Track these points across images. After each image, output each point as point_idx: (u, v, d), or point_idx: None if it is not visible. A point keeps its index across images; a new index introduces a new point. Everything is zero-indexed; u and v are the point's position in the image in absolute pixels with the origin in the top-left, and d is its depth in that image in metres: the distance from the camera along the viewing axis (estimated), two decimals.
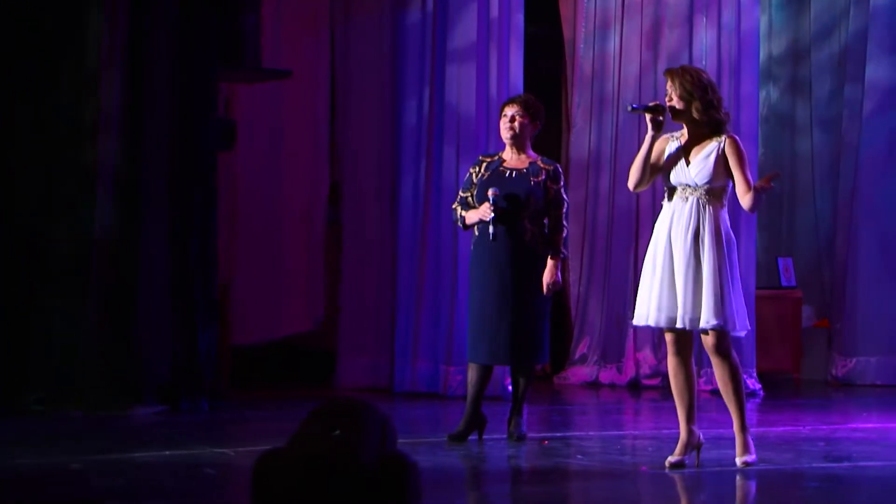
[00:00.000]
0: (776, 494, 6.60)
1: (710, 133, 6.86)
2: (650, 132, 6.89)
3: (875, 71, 11.67)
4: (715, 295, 6.71)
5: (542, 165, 7.93)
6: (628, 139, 11.57)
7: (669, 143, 6.94)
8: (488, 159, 7.98)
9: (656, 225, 6.93)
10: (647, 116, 6.88)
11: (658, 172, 6.95)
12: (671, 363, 6.92)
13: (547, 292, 7.81)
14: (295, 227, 10.99)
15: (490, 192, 7.75)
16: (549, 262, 7.81)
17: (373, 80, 10.80)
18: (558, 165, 8.06)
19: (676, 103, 6.84)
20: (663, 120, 6.90)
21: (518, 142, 7.91)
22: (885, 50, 11.68)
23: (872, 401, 10.75)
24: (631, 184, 6.99)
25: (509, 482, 7.02)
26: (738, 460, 6.87)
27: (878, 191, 11.74)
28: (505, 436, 7.94)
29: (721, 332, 6.76)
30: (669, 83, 6.88)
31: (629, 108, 7.27)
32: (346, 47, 10.94)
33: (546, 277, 7.80)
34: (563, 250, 7.90)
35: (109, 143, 9.02)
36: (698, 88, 6.82)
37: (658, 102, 6.98)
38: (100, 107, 9.01)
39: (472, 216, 7.83)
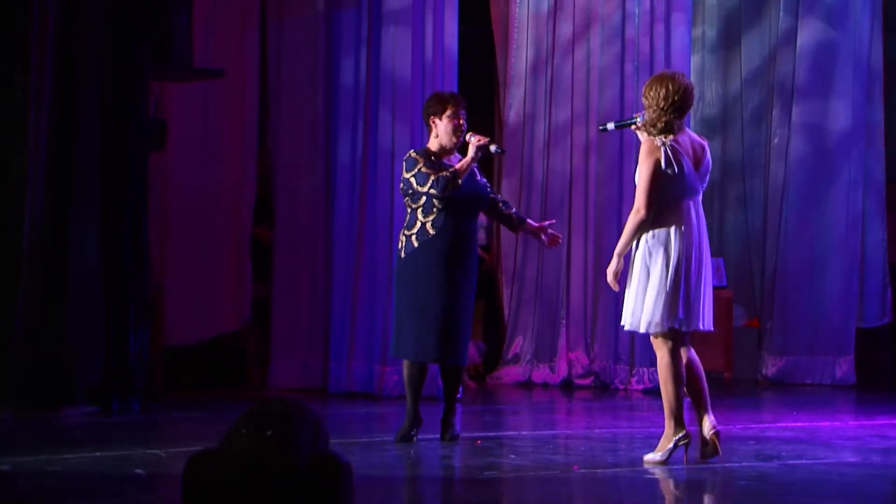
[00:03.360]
0: (707, 493, 6.65)
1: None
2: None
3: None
4: (629, 297, 7.07)
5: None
6: (560, 139, 11.63)
7: None
8: (425, 157, 7.97)
9: None
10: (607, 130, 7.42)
11: None
12: None
13: (554, 241, 8.12)
14: (224, 227, 10.95)
15: (492, 148, 7.95)
16: (530, 223, 8.15)
17: (306, 78, 10.77)
18: None
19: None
20: (642, 127, 7.13)
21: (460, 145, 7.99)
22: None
23: (802, 400, 10.86)
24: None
25: (442, 482, 7.03)
26: (644, 456, 7.09)
27: (806, 192, 11.88)
28: (438, 436, 7.95)
29: (645, 333, 7.14)
30: None
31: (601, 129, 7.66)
32: (278, 47, 10.91)
33: (545, 229, 8.10)
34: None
35: (40, 143, 8.95)
36: (654, 98, 7.04)
37: (636, 114, 7.25)
38: (28, 108, 8.93)
39: (464, 162, 7.83)
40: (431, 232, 7.86)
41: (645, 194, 6.95)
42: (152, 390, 9.43)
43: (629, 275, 7.10)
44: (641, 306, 7.01)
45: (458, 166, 7.82)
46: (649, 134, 7.08)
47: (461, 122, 7.92)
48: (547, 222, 8.20)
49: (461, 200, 7.85)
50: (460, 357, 7.95)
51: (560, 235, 8.24)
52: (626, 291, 7.11)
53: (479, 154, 7.83)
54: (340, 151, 10.58)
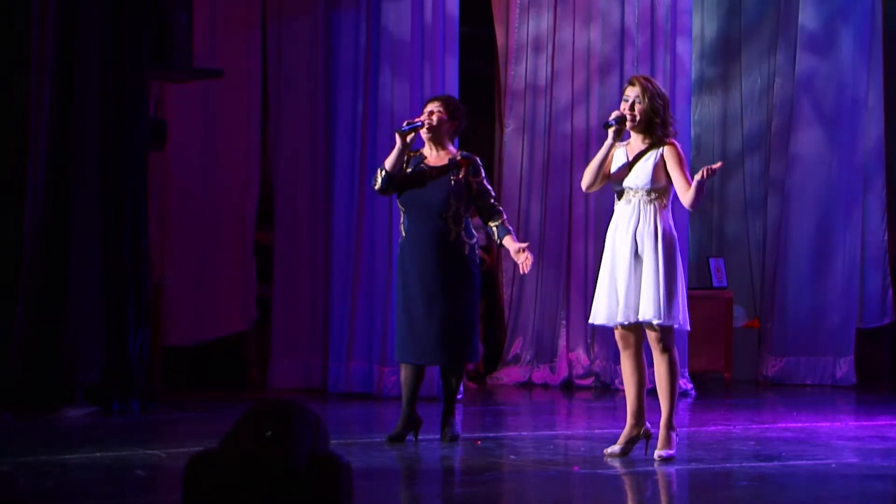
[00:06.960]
0: (707, 493, 6.64)
1: (656, 140, 7.19)
2: (609, 140, 7.23)
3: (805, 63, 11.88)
4: (657, 291, 7.04)
5: (460, 161, 7.94)
6: (560, 141, 11.62)
7: (617, 149, 7.28)
8: (411, 154, 7.98)
9: (609, 227, 7.29)
10: (613, 128, 7.20)
11: (608, 176, 7.29)
12: (621, 358, 7.31)
13: (525, 268, 7.73)
14: (227, 227, 10.94)
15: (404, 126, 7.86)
16: (508, 240, 7.79)
17: (306, 80, 10.77)
18: (477, 158, 8.04)
19: (639, 114, 7.16)
20: (625, 129, 7.23)
21: (436, 136, 7.93)
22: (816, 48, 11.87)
23: (802, 400, 10.85)
24: (584, 185, 7.40)
25: (442, 482, 7.03)
26: (657, 453, 7.12)
27: (807, 192, 11.87)
28: (438, 436, 7.94)
29: (663, 327, 7.09)
30: (632, 90, 7.18)
31: (606, 126, 7.32)
32: (278, 47, 10.91)
33: (520, 256, 7.70)
34: (509, 226, 7.89)
35: (39, 143, 8.94)
36: (660, 105, 7.16)
37: (623, 114, 7.23)
38: (28, 108, 8.93)
39: (392, 155, 7.83)
40: (403, 234, 7.93)
41: (688, 177, 7.09)
42: (152, 390, 9.43)
43: (632, 265, 7.09)
44: (670, 299, 7.03)
45: (387, 162, 7.88)
46: (660, 141, 7.15)
47: (427, 110, 7.94)
48: (524, 244, 7.84)
49: (415, 202, 7.86)
50: (447, 359, 7.87)
51: (531, 258, 7.78)
52: (642, 283, 7.06)
53: (402, 143, 7.80)
54: (339, 152, 10.57)
